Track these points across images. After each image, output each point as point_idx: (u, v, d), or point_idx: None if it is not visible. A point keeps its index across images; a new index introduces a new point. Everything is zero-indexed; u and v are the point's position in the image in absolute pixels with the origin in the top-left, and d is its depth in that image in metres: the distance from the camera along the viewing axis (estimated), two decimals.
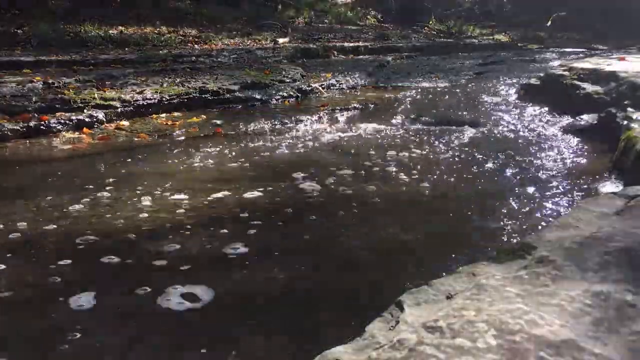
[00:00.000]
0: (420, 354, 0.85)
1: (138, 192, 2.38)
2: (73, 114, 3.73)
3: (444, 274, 1.26)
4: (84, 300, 1.50)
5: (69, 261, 1.73)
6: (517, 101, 4.64)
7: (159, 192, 2.37)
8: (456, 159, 2.94)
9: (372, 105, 4.64)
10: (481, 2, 15.88)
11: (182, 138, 3.48)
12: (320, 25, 11.39)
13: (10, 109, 3.62)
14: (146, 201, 2.26)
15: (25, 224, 2.02)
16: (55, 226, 2.00)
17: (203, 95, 4.61)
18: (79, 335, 1.35)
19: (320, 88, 5.43)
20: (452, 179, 2.60)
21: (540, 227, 1.94)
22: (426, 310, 1.04)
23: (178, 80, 5.00)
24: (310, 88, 5.36)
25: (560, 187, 2.45)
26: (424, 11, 13.78)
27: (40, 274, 1.66)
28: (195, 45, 7.73)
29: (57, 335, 1.34)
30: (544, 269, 1.11)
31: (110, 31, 7.73)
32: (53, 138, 3.44)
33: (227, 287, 1.59)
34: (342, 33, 10.52)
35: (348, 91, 5.53)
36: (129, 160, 2.93)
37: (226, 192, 2.38)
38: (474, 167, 2.79)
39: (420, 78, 6.36)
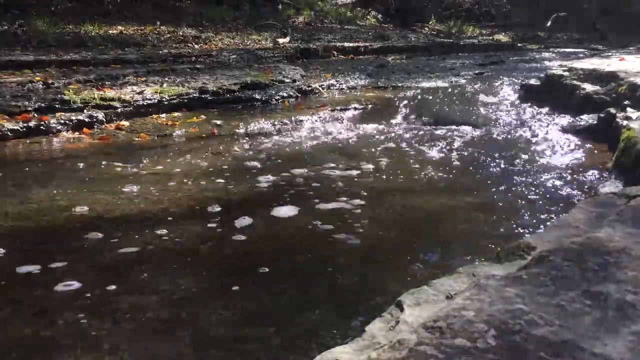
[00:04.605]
0: (420, 354, 0.85)
1: (136, 191, 2.38)
2: (73, 114, 3.73)
3: (444, 274, 1.26)
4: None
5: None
6: (517, 101, 4.63)
7: (157, 192, 2.37)
8: (455, 158, 2.94)
9: (372, 106, 4.64)
10: (481, 2, 15.87)
11: (182, 138, 3.48)
12: (320, 25, 11.38)
13: (10, 109, 3.62)
14: (143, 200, 2.27)
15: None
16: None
17: (203, 96, 4.61)
18: None
19: (320, 88, 5.43)
20: (451, 179, 2.60)
21: (540, 227, 1.95)
22: (426, 310, 1.04)
23: (178, 80, 4.99)
24: (310, 88, 5.36)
25: (560, 187, 2.45)
26: (424, 11, 13.77)
27: None
28: (195, 45, 7.73)
29: None
30: (544, 269, 1.11)
31: (110, 31, 7.72)
32: (53, 138, 3.44)
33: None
34: (342, 33, 10.51)
35: (348, 91, 5.53)
36: (129, 160, 2.93)
37: (224, 189, 2.38)
38: (473, 167, 2.79)
39: (420, 78, 6.36)
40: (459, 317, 0.94)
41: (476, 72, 6.99)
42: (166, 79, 5.02)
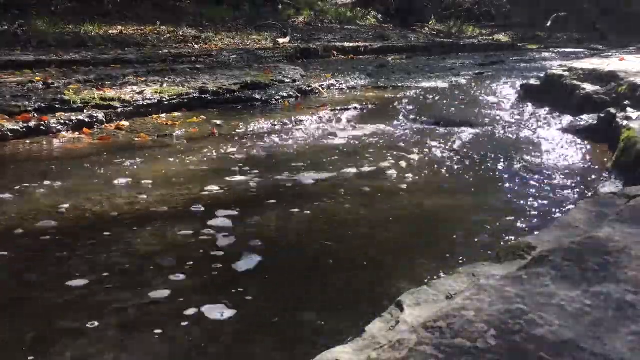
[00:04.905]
0: (420, 354, 0.85)
1: (136, 192, 2.38)
2: (73, 114, 3.73)
3: (444, 274, 1.26)
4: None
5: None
6: (517, 101, 4.63)
7: (158, 192, 2.38)
8: (456, 159, 2.94)
9: (372, 106, 4.64)
10: (481, 2, 15.87)
11: (182, 139, 3.48)
12: (320, 25, 11.38)
13: (10, 109, 3.61)
14: (143, 200, 2.27)
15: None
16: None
17: (203, 96, 4.61)
18: None
19: (320, 88, 5.43)
20: (451, 179, 2.60)
21: (540, 227, 1.94)
22: (426, 310, 1.04)
23: (178, 80, 4.99)
24: (310, 88, 5.35)
25: (560, 187, 2.45)
26: (424, 11, 13.77)
27: None
28: (195, 45, 7.73)
29: None
30: (543, 269, 1.11)
31: (110, 31, 7.72)
32: (53, 138, 3.44)
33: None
34: (342, 33, 10.51)
35: (348, 91, 5.53)
36: (128, 160, 2.93)
37: (223, 189, 2.38)
38: (474, 168, 2.79)
39: (420, 78, 6.36)
40: (459, 317, 0.94)
41: (476, 72, 6.99)
42: (166, 79, 5.02)
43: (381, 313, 1.06)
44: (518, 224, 2.03)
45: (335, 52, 8.43)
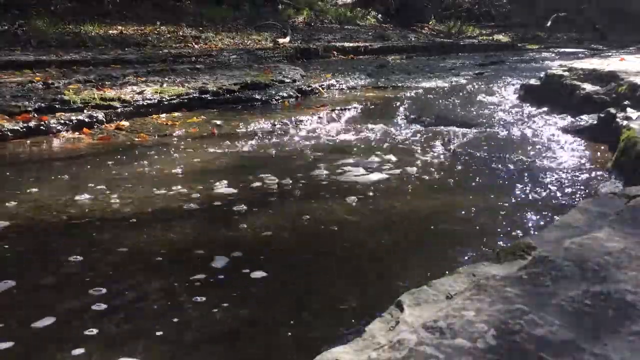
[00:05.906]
0: (420, 354, 0.85)
1: (136, 192, 2.38)
2: (73, 114, 3.73)
3: (444, 274, 1.26)
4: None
5: None
6: (517, 101, 4.63)
7: (158, 192, 2.38)
8: (455, 159, 2.94)
9: (372, 106, 4.64)
10: (481, 2, 15.87)
11: (182, 139, 3.48)
12: (320, 25, 11.38)
13: (10, 109, 3.62)
14: (143, 200, 2.27)
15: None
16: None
17: (203, 96, 4.61)
18: None
19: (320, 88, 5.43)
20: (451, 179, 2.60)
21: (540, 227, 1.95)
22: (426, 310, 1.04)
23: (178, 80, 4.99)
24: (310, 88, 5.35)
25: (560, 187, 2.45)
26: (424, 11, 13.78)
27: None
28: (195, 45, 7.73)
29: None
30: (543, 269, 1.11)
31: (110, 31, 7.72)
32: (53, 138, 3.44)
33: None
34: (342, 33, 10.52)
35: (348, 91, 5.53)
36: (128, 160, 2.93)
37: (223, 189, 2.38)
38: (473, 168, 2.79)
39: (420, 78, 6.36)
40: (459, 317, 0.94)
41: (476, 72, 6.99)
42: (166, 79, 5.02)
43: (381, 313, 1.06)
44: (518, 224, 2.03)
45: (335, 52, 8.43)
